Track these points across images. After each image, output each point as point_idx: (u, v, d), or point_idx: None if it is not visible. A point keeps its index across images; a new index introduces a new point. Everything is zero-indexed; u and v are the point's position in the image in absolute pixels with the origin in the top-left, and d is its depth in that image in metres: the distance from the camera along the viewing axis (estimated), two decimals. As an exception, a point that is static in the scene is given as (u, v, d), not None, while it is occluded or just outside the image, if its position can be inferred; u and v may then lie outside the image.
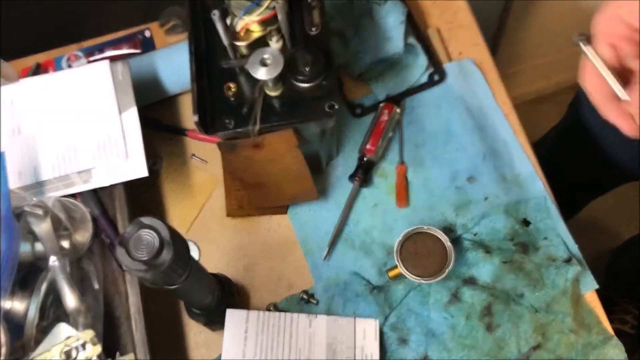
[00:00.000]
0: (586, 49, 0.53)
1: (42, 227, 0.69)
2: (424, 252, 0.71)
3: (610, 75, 0.51)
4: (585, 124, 0.97)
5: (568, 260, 0.75)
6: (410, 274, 0.71)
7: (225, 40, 0.65)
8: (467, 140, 0.84)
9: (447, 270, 0.70)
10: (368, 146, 0.82)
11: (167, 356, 0.76)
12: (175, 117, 0.89)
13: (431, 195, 0.82)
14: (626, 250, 1.45)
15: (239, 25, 0.65)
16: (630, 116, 0.50)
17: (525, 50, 1.55)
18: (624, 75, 0.52)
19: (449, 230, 0.79)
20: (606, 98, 0.52)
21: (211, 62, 0.68)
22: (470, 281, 0.75)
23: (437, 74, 0.88)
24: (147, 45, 0.94)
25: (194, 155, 0.87)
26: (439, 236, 0.72)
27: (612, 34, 0.52)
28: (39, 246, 0.70)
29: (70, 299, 0.67)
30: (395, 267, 0.72)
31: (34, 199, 0.72)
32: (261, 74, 0.62)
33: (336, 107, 0.64)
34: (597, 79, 0.52)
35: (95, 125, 0.74)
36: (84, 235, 0.74)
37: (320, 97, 0.65)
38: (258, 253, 0.81)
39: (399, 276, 0.73)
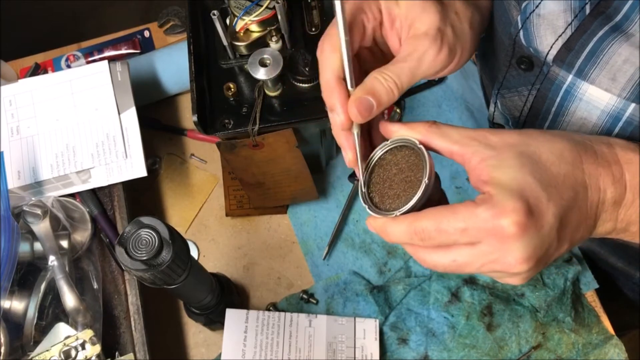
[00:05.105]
0: (339, 10, 0.41)
1: (41, 227, 0.69)
2: (394, 173, 0.47)
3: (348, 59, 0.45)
4: None
5: (568, 260, 0.75)
6: (376, 211, 0.48)
7: (224, 40, 0.65)
8: (466, 140, 0.84)
9: (422, 186, 0.43)
10: (368, 146, 0.81)
11: (166, 356, 0.76)
12: (174, 117, 0.89)
13: (431, 195, 0.82)
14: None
15: (239, 25, 0.65)
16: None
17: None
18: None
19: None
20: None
21: (211, 62, 0.68)
22: (471, 281, 0.75)
23: (437, 74, 0.88)
24: (146, 46, 0.94)
25: (193, 155, 0.87)
26: (411, 145, 0.46)
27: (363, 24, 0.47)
28: (38, 246, 0.70)
29: (70, 299, 0.67)
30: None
31: (33, 198, 0.72)
32: (261, 74, 0.62)
33: (336, 106, 0.64)
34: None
35: (94, 125, 0.74)
36: (83, 235, 0.74)
37: (320, 97, 0.65)
38: (257, 253, 0.81)
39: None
